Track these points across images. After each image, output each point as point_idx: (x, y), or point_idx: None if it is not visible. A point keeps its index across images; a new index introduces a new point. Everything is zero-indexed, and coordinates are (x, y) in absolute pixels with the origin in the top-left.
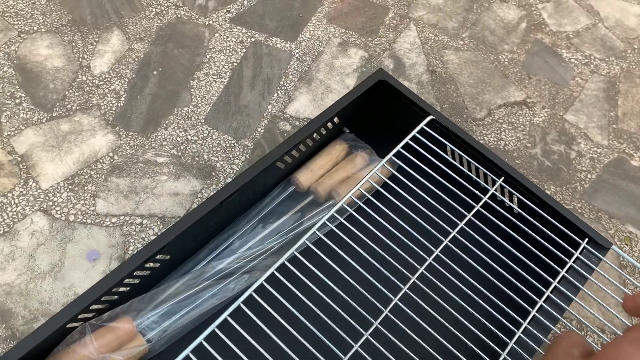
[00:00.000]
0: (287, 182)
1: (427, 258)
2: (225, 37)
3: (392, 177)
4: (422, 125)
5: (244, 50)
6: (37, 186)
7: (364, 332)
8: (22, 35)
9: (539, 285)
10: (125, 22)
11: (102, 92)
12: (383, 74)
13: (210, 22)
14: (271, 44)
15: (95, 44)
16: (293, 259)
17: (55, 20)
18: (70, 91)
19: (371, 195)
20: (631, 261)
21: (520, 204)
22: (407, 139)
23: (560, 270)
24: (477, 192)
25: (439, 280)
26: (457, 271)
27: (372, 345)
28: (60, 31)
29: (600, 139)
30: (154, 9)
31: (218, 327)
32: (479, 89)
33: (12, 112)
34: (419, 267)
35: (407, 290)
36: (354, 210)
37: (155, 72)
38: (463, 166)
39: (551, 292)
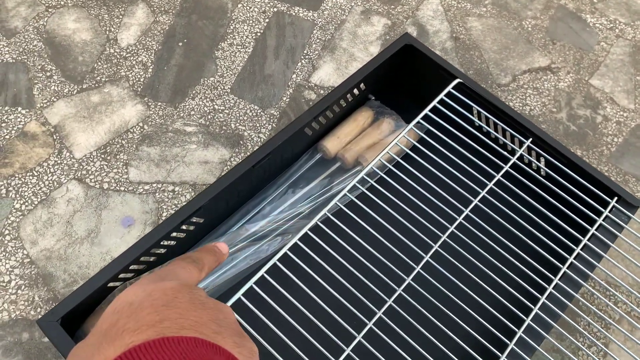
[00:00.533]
0: (314, 150)
1: (457, 217)
2: (248, 7)
3: (421, 141)
4: (449, 88)
5: (266, 20)
6: (71, 156)
7: (397, 288)
8: (49, 10)
9: (570, 243)
10: None
11: (130, 64)
12: (409, 39)
13: None
14: (294, 14)
15: (121, 17)
16: (325, 220)
17: None
18: (99, 63)
19: (400, 159)
20: None
21: (548, 165)
22: (435, 102)
23: (590, 228)
24: (505, 153)
25: (470, 239)
26: (487, 230)
27: (405, 300)
28: (87, 5)
29: (627, 102)
30: None
31: (255, 283)
32: (503, 55)
33: (44, 85)
34: (449, 226)
35: (439, 249)
36: (384, 174)
37: (180, 44)
38: (490, 128)
39: (581, 250)
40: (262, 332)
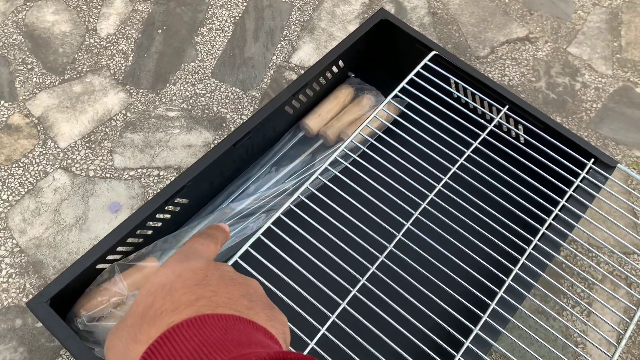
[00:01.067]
0: (296, 128)
1: (437, 185)
2: None
3: (402, 115)
4: (425, 60)
5: (245, 4)
6: (56, 145)
7: (379, 255)
8: (27, 4)
9: (548, 205)
10: None
11: (110, 53)
12: (385, 14)
13: None
14: None
15: (99, 7)
16: (310, 196)
17: None
18: (80, 54)
19: (382, 133)
20: (638, 178)
21: (526, 131)
22: (411, 75)
23: (567, 190)
24: (484, 122)
25: (450, 206)
26: (466, 196)
27: (387, 266)
28: None
29: (605, 69)
30: None
31: (240, 257)
32: (480, 27)
33: (25, 77)
34: (429, 194)
35: (419, 216)
36: (366, 148)
37: (159, 31)
38: (468, 99)
39: (560, 211)
40: None
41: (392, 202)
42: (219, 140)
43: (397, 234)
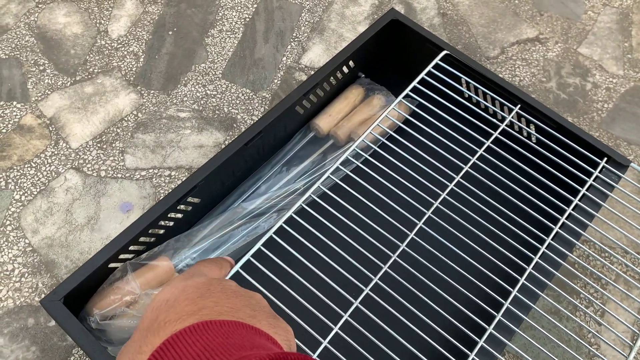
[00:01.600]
0: (306, 129)
1: (449, 184)
2: None
3: (413, 114)
4: (436, 60)
5: (255, 5)
6: (68, 146)
7: (392, 255)
8: (40, 6)
9: (562, 205)
10: None
11: (121, 54)
12: (395, 14)
13: None
14: None
15: (110, 9)
16: (322, 195)
17: None
18: (91, 55)
19: (394, 132)
20: None
21: (538, 130)
22: (423, 74)
23: (580, 189)
24: (495, 121)
25: (463, 205)
26: (479, 195)
27: (399, 265)
28: None
29: (616, 69)
30: None
31: (253, 257)
32: (490, 28)
33: (37, 79)
34: (441, 193)
35: (432, 215)
36: (378, 147)
37: (170, 33)
38: (480, 98)
39: (573, 210)
40: None
41: (404, 201)
42: (230, 141)
43: (409, 233)
